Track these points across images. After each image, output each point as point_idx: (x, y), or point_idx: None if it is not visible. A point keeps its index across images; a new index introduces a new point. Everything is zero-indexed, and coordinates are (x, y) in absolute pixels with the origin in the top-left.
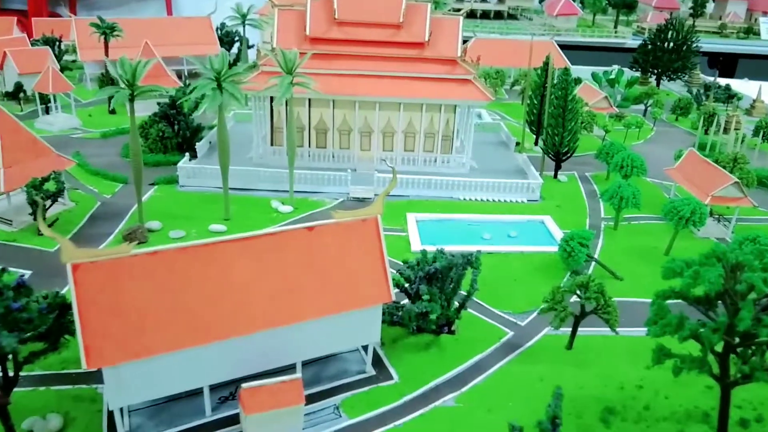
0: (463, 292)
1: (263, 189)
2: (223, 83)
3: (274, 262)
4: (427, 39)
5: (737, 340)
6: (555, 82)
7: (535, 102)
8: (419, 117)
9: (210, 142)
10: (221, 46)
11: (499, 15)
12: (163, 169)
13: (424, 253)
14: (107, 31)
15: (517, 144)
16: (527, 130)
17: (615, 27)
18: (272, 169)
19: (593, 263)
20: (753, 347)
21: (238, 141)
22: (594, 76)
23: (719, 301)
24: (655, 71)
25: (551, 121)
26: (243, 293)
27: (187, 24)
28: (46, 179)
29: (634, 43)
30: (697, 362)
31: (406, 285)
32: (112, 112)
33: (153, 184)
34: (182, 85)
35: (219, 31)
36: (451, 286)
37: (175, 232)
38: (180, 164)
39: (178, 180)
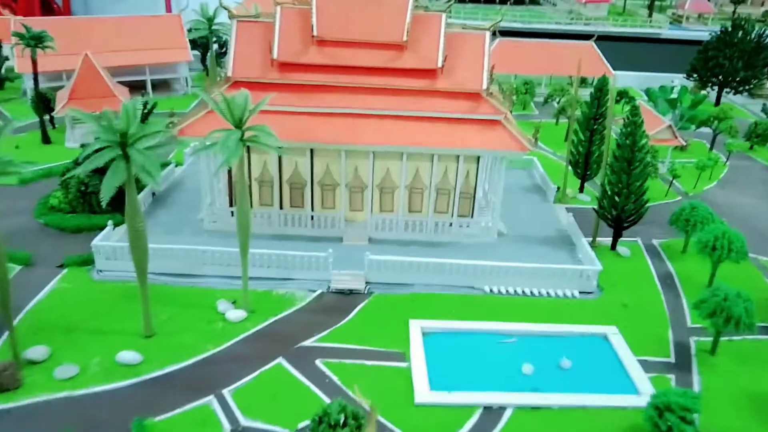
0: None
1: (210, 276)
2: (131, 150)
3: None
4: (440, 64)
5: None
6: (623, 123)
7: (583, 138)
8: (428, 168)
9: (153, 195)
10: (194, 50)
11: (520, 1)
12: (86, 237)
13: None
14: (32, 42)
15: (558, 189)
16: (569, 168)
17: (650, 15)
18: (221, 249)
19: None
20: None
21: (191, 191)
22: (649, 93)
23: None
24: (716, 82)
25: (611, 177)
26: None
27: (152, 24)
28: None
29: (671, 33)
30: None
31: None
32: (47, 141)
33: (61, 267)
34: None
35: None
36: None
37: (64, 368)
38: (96, 240)
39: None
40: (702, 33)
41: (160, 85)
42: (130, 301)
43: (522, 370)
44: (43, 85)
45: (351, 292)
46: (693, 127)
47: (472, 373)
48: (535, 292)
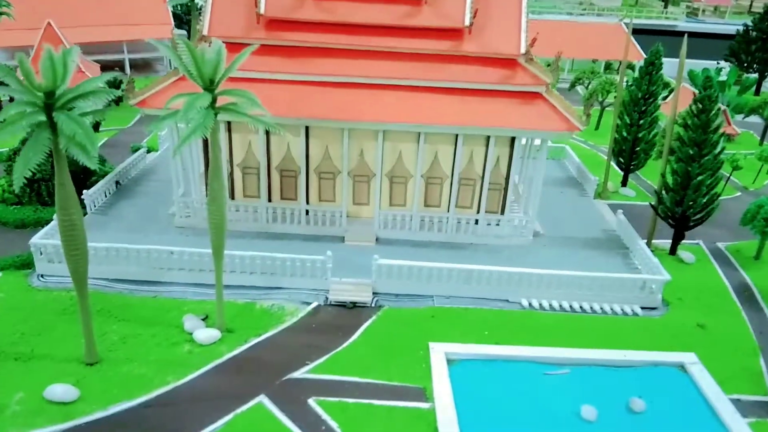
0: None
1: (179, 284)
2: (58, 115)
3: None
4: (468, 23)
5: None
6: (690, 106)
7: (629, 122)
8: (450, 153)
9: (118, 183)
10: (181, 27)
11: None
12: (30, 234)
13: None
14: None
15: (598, 187)
16: (612, 164)
17: (665, 7)
18: (191, 249)
19: None
20: None
21: (164, 182)
22: (692, 76)
23: None
24: (759, 68)
25: (677, 165)
26: None
27: None
28: None
29: (686, 26)
30: None
31: None
32: None
33: None
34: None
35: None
36: None
37: None
38: (35, 238)
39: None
40: (719, 26)
41: (141, 66)
42: (75, 316)
43: (581, 414)
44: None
45: (354, 305)
46: (739, 115)
47: (515, 415)
48: (586, 307)
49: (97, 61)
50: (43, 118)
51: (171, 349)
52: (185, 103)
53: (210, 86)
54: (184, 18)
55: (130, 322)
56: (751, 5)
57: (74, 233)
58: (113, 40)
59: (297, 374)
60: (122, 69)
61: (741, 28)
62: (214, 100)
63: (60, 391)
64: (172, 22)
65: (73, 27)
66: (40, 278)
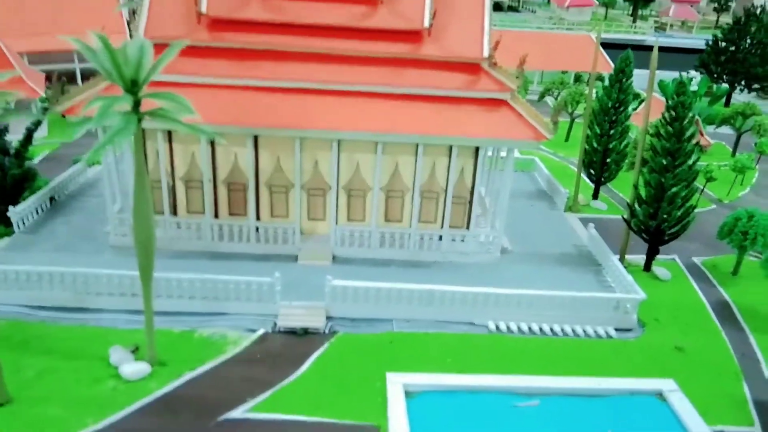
0: None
1: (108, 311)
2: None
3: None
4: (427, 24)
5: None
6: (663, 114)
7: (599, 132)
8: (410, 164)
9: (54, 198)
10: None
11: (498, 7)
12: None
13: None
14: None
15: (568, 201)
16: (582, 175)
17: (634, 21)
18: (121, 272)
19: None
20: None
21: (103, 197)
22: (663, 86)
23: None
24: (729, 79)
25: (650, 176)
26: None
27: (83, 2)
28: None
29: (654, 40)
30: None
31: None
32: None
33: None
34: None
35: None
36: None
37: None
38: None
39: None
40: (686, 40)
41: (94, 76)
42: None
43: None
44: None
45: (306, 331)
46: (710, 126)
47: None
48: (557, 330)
49: (45, 71)
50: None
51: (93, 386)
52: (99, 107)
53: (132, 88)
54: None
55: (50, 354)
56: (717, 20)
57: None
58: (63, 50)
59: (235, 414)
60: (73, 79)
61: (710, 39)
62: (137, 104)
63: None
64: (128, 31)
65: (20, 36)
66: None
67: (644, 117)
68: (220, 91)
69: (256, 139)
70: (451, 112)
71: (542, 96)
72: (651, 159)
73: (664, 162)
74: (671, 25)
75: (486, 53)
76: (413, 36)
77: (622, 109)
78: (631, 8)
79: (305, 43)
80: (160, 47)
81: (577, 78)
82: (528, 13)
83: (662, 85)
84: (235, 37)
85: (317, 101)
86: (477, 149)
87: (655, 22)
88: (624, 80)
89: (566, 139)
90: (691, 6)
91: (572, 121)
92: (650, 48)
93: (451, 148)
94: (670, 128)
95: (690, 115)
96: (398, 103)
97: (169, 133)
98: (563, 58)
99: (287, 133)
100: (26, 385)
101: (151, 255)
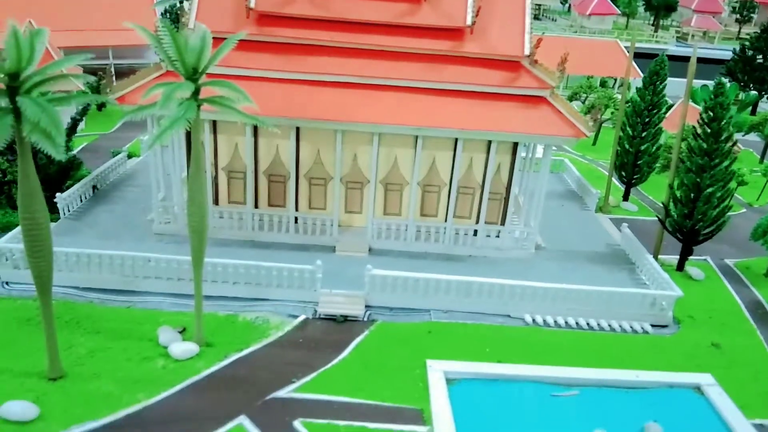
0: None
1: (154, 293)
2: (22, 99)
3: None
4: (470, 22)
5: None
6: (701, 114)
7: (632, 134)
8: (448, 159)
9: (96, 187)
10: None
11: None
12: None
13: None
14: None
15: (599, 201)
16: (614, 179)
17: (655, 30)
18: (168, 257)
19: None
20: None
21: (145, 187)
22: (694, 92)
23: None
24: (757, 87)
25: (686, 176)
26: None
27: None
28: None
29: (676, 50)
30: None
31: None
32: None
33: None
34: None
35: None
36: None
37: None
38: (0, 242)
39: None
40: (708, 51)
41: (127, 73)
42: (41, 326)
43: None
44: None
45: (345, 318)
46: (738, 134)
47: None
48: (593, 324)
49: (81, 66)
50: (4, 102)
51: (143, 364)
52: (164, 92)
53: (193, 75)
54: (171, 14)
55: (99, 334)
56: (739, 31)
57: (37, 233)
58: (98, 45)
59: (281, 393)
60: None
61: (736, 48)
62: (197, 91)
63: (17, 408)
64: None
65: (56, 31)
66: (5, 285)
67: (681, 117)
68: (265, 83)
69: (298, 131)
70: (491, 107)
71: (570, 99)
72: (688, 159)
73: (701, 162)
74: (693, 35)
75: (527, 51)
76: (455, 33)
77: (655, 111)
78: (652, 18)
79: (349, 39)
80: None
81: (603, 83)
82: (548, 21)
83: (693, 92)
84: (282, 32)
85: (359, 95)
86: (515, 147)
87: (677, 31)
88: (658, 83)
89: (593, 143)
90: (713, 16)
91: (600, 124)
92: (673, 58)
93: (489, 143)
94: (707, 128)
95: (728, 114)
96: (439, 98)
97: (214, 124)
98: (589, 63)
99: (329, 126)
100: (78, 361)
101: (203, 240)
